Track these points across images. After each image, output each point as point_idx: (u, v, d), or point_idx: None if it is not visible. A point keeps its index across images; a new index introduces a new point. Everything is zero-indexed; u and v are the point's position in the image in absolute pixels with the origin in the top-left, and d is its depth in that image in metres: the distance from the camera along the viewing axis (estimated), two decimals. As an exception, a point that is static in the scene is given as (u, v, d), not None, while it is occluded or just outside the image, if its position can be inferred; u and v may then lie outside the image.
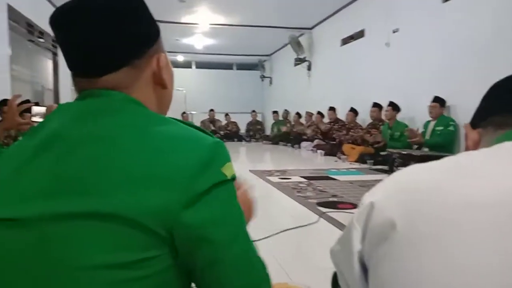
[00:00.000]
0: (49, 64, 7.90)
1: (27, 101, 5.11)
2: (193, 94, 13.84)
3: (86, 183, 0.53)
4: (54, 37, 0.63)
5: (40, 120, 1.69)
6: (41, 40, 7.17)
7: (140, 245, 0.52)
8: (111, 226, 0.51)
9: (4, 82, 5.51)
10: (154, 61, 0.66)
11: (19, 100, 1.74)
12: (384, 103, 6.23)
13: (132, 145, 0.55)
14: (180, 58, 13.58)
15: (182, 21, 9.10)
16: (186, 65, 14.21)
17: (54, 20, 0.61)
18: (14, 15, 5.80)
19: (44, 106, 1.73)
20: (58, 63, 7.93)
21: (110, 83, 0.61)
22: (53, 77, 7.91)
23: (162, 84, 0.67)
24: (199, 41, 11.26)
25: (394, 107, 5.93)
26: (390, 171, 4.09)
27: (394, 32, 6.45)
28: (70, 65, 0.64)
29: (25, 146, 0.59)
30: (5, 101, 4.20)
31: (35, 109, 1.65)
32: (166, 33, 9.92)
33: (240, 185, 0.82)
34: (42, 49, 7.49)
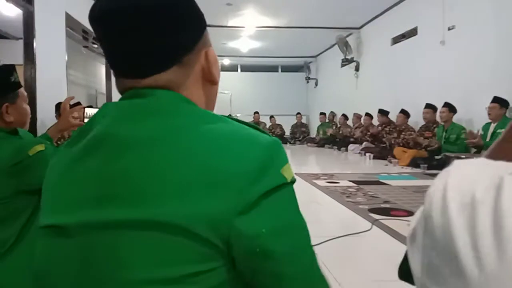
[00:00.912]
0: (102, 69, 8.24)
1: (78, 104, 5.36)
2: (238, 96, 13.97)
3: (134, 189, 0.48)
4: (94, 33, 0.58)
5: None
6: (95, 46, 7.49)
7: (194, 257, 0.46)
8: (161, 236, 0.46)
9: (62, 85, 5.79)
10: (202, 55, 0.60)
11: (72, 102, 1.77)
12: (438, 104, 5.90)
13: (185, 147, 0.49)
14: (226, 61, 13.75)
15: (229, 24, 9.17)
16: (232, 68, 14.35)
17: (94, 16, 0.56)
18: (71, 22, 6.09)
19: (97, 108, 1.75)
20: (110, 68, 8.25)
21: (158, 82, 0.56)
22: (106, 82, 8.25)
23: (211, 80, 0.62)
24: (244, 44, 11.32)
25: (450, 108, 5.59)
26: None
27: (449, 29, 6.11)
28: (113, 65, 0.59)
29: (71, 149, 0.56)
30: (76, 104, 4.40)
31: (88, 111, 1.67)
32: (213, 37, 9.88)
33: None
34: (96, 55, 7.83)
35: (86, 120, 1.65)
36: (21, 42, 5.03)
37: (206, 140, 0.50)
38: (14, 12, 5.64)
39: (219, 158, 0.49)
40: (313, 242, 1.90)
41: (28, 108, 1.50)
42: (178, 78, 0.57)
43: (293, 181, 0.53)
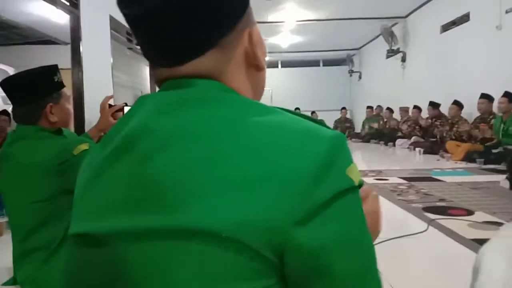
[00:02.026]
0: (146, 70, 8.43)
1: (125, 105, 5.48)
2: (279, 93, 13.86)
3: (172, 191, 0.40)
4: (125, 19, 0.50)
5: None
6: (139, 47, 7.67)
7: (240, 273, 0.39)
8: (202, 248, 0.38)
9: (108, 87, 5.96)
10: (245, 36, 0.51)
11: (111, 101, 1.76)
12: (495, 94, 5.48)
13: (230, 143, 0.41)
14: (266, 58, 13.68)
15: (269, 20, 9.06)
16: (272, 64, 14.27)
17: (125, 1, 0.48)
18: (115, 25, 6.25)
19: None
20: (155, 69, 8.44)
21: (196, 70, 0.48)
22: (150, 82, 8.43)
23: (256, 65, 0.53)
24: (285, 40, 11.18)
25: (510, 98, 5.16)
26: (509, 171, 3.52)
27: (507, 12, 5.66)
28: (146, 53, 0.52)
29: (103, 149, 0.49)
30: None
31: (127, 109, 1.64)
32: (252, 33, 10.00)
33: (367, 191, 0.64)
34: (140, 56, 8.01)
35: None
36: (69, 47, 5.22)
37: (254, 134, 0.42)
38: (64, 19, 5.87)
39: (271, 156, 0.40)
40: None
41: (71, 108, 1.50)
42: (218, 64, 0.49)
43: (361, 184, 0.44)
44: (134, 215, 0.42)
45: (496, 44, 5.90)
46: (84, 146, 1.34)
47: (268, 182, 0.39)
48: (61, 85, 1.43)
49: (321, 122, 0.47)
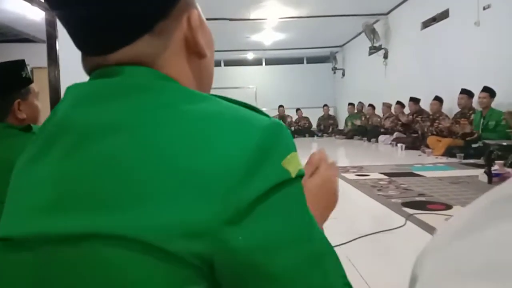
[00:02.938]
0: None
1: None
2: (263, 90, 13.86)
3: (94, 192, 0.37)
4: (49, 4, 0.46)
5: None
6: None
7: (165, 281, 0.35)
8: (126, 253, 0.35)
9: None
10: (184, 21, 0.47)
11: None
12: (475, 89, 5.55)
13: (155, 137, 0.38)
14: (250, 56, 13.65)
15: (251, 17, 9.02)
16: (256, 62, 14.25)
17: None
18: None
19: None
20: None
21: (128, 57, 0.44)
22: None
23: (198, 52, 0.49)
24: (268, 37, 11.16)
25: (491, 93, 5.22)
26: (487, 165, 3.56)
27: (484, 8, 5.73)
28: (74, 41, 0.47)
29: (34, 142, 0.46)
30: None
31: None
32: (236, 31, 9.97)
33: (320, 161, 0.61)
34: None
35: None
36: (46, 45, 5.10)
37: (182, 126, 0.38)
38: (39, 16, 5.72)
39: (198, 150, 0.37)
40: (342, 240, 1.73)
41: (39, 105, 1.45)
42: (152, 51, 0.45)
43: (300, 174, 0.40)
44: (57, 217, 0.38)
45: (475, 40, 5.97)
46: None
47: (194, 179, 0.35)
48: (29, 80, 1.39)
49: (258, 110, 0.43)
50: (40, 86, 1.49)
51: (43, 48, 7.38)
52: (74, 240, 0.36)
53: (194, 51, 0.49)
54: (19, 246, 0.40)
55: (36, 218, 0.39)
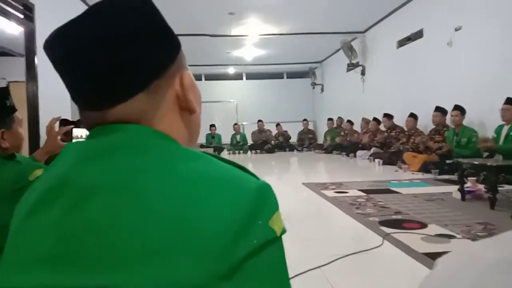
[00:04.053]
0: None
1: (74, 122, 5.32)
2: (244, 105, 13.95)
3: (94, 249, 0.40)
4: (52, 63, 0.49)
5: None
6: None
7: None
8: None
9: (65, 101, 5.77)
10: (176, 81, 0.52)
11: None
12: (447, 107, 5.76)
13: (156, 197, 0.41)
14: (231, 70, 13.74)
15: (232, 33, 9.13)
16: (237, 77, 14.34)
17: (51, 41, 0.48)
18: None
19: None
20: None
21: (125, 113, 0.48)
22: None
23: (189, 108, 0.53)
24: (249, 53, 11.28)
25: (462, 111, 5.43)
26: (460, 182, 3.69)
27: (456, 30, 5.99)
28: (73, 96, 0.51)
29: (33, 195, 0.48)
30: (65, 121, 4.37)
31: (76, 131, 1.59)
32: (216, 46, 10.05)
33: None
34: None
35: (75, 141, 1.58)
36: (23, 59, 5.03)
37: (177, 188, 0.42)
38: (18, 30, 5.65)
39: (193, 212, 0.40)
40: (321, 262, 1.78)
41: (22, 132, 1.45)
42: (148, 108, 0.49)
43: (283, 232, 0.44)
44: (56, 273, 0.40)
45: (447, 59, 6.21)
46: (39, 172, 1.29)
47: (189, 242, 0.39)
48: (13, 109, 1.38)
49: (246, 169, 0.47)
50: (17, 100, 1.46)
51: (19, 61, 7.28)
52: None
53: (185, 107, 0.53)
54: None
55: (38, 271, 0.41)
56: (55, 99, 5.32)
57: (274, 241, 0.42)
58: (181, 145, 0.49)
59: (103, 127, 0.49)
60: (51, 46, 0.49)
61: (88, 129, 0.52)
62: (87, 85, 0.48)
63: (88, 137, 0.50)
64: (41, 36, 5.04)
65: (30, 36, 4.92)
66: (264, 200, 0.43)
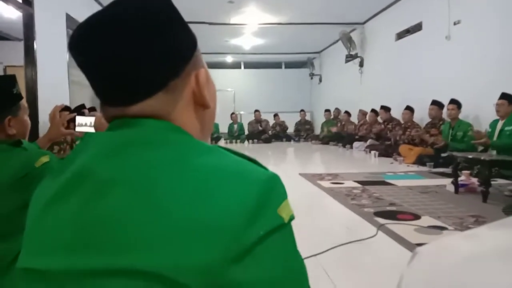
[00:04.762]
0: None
1: (82, 106, 5.32)
2: (241, 94, 13.93)
3: (115, 234, 0.44)
4: (76, 63, 0.53)
5: (87, 129, 1.66)
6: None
7: None
8: (144, 284, 0.42)
9: (64, 86, 5.77)
10: (192, 78, 0.55)
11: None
12: (444, 101, 5.81)
13: (168, 188, 0.45)
14: (229, 59, 13.69)
15: (231, 22, 9.09)
16: (235, 65, 14.30)
17: (74, 44, 0.52)
18: (72, 23, 6.05)
19: (91, 115, 1.70)
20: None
21: (144, 111, 0.52)
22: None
23: (204, 104, 0.57)
24: (247, 42, 11.24)
25: (458, 105, 5.49)
26: (454, 176, 3.76)
27: (455, 24, 6.01)
28: (97, 93, 0.55)
29: (54, 181, 0.52)
30: (67, 108, 4.37)
31: (79, 119, 1.62)
32: (215, 34, 10.00)
33: None
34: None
35: (77, 129, 1.61)
36: (22, 43, 5.01)
37: (192, 179, 0.46)
38: (15, 14, 5.62)
39: (208, 201, 0.44)
40: (317, 250, 1.84)
41: (28, 120, 1.48)
42: (166, 105, 0.53)
43: (291, 218, 0.48)
44: (79, 255, 0.44)
45: (445, 53, 6.25)
46: (45, 159, 1.32)
47: (203, 227, 0.43)
48: (19, 96, 1.40)
49: (257, 162, 0.51)
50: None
51: (17, 45, 7.23)
52: (95, 275, 0.43)
53: (200, 103, 0.57)
54: (44, 277, 0.46)
55: (61, 256, 0.46)
56: (53, 84, 5.32)
57: (282, 227, 0.46)
58: (195, 138, 0.54)
59: (122, 120, 0.52)
60: (73, 46, 0.52)
61: (108, 121, 0.56)
62: (113, 84, 0.52)
63: (108, 129, 0.54)
64: (40, 20, 5.01)
65: (29, 21, 4.89)
66: (272, 189, 0.47)
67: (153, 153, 0.48)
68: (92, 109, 5.71)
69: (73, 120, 1.73)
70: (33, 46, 4.91)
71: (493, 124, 4.82)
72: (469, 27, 5.71)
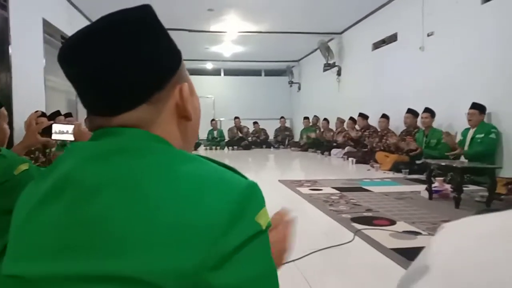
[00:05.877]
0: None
1: (58, 112, 5.22)
2: (221, 101, 13.94)
3: (99, 239, 0.45)
4: (64, 74, 0.55)
5: (64, 137, 1.65)
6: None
7: None
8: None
9: (39, 92, 5.66)
10: (176, 91, 0.58)
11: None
12: (418, 109, 5.98)
13: (154, 192, 0.46)
14: (209, 66, 13.70)
15: (211, 29, 9.13)
16: (215, 72, 14.31)
17: (63, 56, 0.54)
18: (49, 28, 5.96)
19: (69, 124, 1.69)
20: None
21: (128, 121, 0.54)
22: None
23: (186, 117, 0.59)
24: (227, 49, 11.29)
25: (432, 113, 5.67)
26: (428, 182, 3.87)
27: (429, 35, 6.22)
28: (84, 104, 0.57)
29: (39, 187, 0.53)
30: (43, 114, 4.29)
31: (56, 127, 1.61)
32: (195, 41, 10.01)
33: (279, 220, 0.73)
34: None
35: (54, 136, 1.60)
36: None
37: (174, 186, 0.47)
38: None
39: (187, 208, 0.46)
40: (295, 256, 1.87)
41: (7, 127, 1.46)
42: (150, 116, 0.55)
43: (268, 225, 0.50)
44: (63, 261, 0.45)
45: (420, 63, 6.44)
46: (24, 166, 1.31)
47: (184, 235, 0.44)
48: None
49: (236, 170, 0.54)
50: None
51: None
52: (77, 280, 0.44)
53: (183, 116, 0.59)
54: (30, 285, 0.47)
55: (44, 261, 0.46)
56: (29, 89, 5.21)
57: (260, 234, 0.48)
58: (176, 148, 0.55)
59: (105, 130, 0.54)
60: (63, 60, 0.54)
61: (91, 130, 0.57)
62: (99, 95, 0.54)
63: (91, 139, 0.56)
64: (16, 25, 4.92)
65: (3, 25, 4.80)
66: (251, 198, 0.49)
67: (137, 160, 0.50)
68: (68, 115, 5.62)
69: (50, 127, 1.71)
70: (8, 51, 4.81)
71: (465, 132, 5.00)
72: (442, 39, 5.91)
